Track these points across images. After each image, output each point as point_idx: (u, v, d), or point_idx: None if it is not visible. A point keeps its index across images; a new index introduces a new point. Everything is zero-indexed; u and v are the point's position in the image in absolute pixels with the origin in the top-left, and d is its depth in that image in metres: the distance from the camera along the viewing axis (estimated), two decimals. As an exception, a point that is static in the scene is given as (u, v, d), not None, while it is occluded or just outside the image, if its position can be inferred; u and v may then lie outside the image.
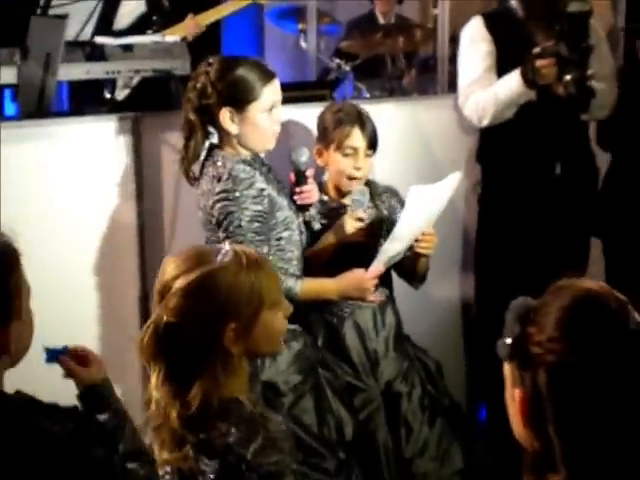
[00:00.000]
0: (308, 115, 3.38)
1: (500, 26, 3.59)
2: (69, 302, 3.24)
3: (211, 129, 2.91)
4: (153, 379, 1.99)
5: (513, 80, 3.45)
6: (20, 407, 1.65)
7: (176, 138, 3.40)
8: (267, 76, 2.86)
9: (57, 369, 1.92)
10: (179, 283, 1.97)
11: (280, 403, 2.89)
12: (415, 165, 3.76)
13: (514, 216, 3.64)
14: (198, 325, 1.96)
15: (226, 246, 2.06)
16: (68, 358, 1.90)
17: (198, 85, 2.84)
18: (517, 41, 3.52)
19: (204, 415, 1.95)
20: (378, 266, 2.95)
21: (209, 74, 2.82)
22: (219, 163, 2.84)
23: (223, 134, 2.88)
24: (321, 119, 3.21)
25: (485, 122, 3.56)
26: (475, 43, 3.59)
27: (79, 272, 3.26)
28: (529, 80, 3.39)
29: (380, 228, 3.15)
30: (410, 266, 3.14)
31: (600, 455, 1.33)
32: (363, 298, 2.98)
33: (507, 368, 1.40)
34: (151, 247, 3.43)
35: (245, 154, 2.89)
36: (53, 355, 1.90)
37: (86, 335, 3.20)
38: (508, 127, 3.57)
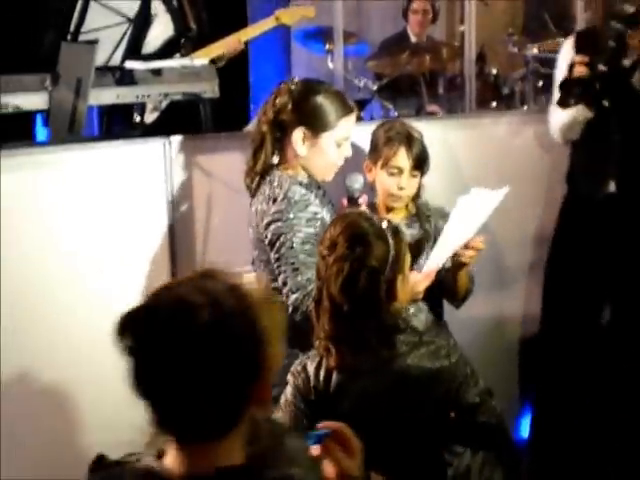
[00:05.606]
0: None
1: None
2: (101, 325, 3.24)
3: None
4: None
5: None
6: None
7: (206, 161, 3.42)
8: (346, 109, 2.88)
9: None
10: None
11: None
12: (443, 185, 3.74)
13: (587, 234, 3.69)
14: None
15: None
16: (333, 443, 1.77)
17: (278, 101, 2.86)
18: None
19: None
20: (429, 270, 2.89)
21: (292, 93, 2.85)
22: (275, 183, 2.84)
23: (288, 153, 2.88)
24: (373, 135, 3.21)
25: (560, 141, 3.69)
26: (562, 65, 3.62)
27: (111, 295, 3.25)
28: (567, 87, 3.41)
29: (423, 248, 3.13)
30: (451, 280, 3.08)
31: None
32: (416, 300, 2.96)
33: None
34: (183, 273, 3.41)
35: (302, 176, 2.89)
36: (317, 438, 1.78)
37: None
38: (577, 146, 3.69)
